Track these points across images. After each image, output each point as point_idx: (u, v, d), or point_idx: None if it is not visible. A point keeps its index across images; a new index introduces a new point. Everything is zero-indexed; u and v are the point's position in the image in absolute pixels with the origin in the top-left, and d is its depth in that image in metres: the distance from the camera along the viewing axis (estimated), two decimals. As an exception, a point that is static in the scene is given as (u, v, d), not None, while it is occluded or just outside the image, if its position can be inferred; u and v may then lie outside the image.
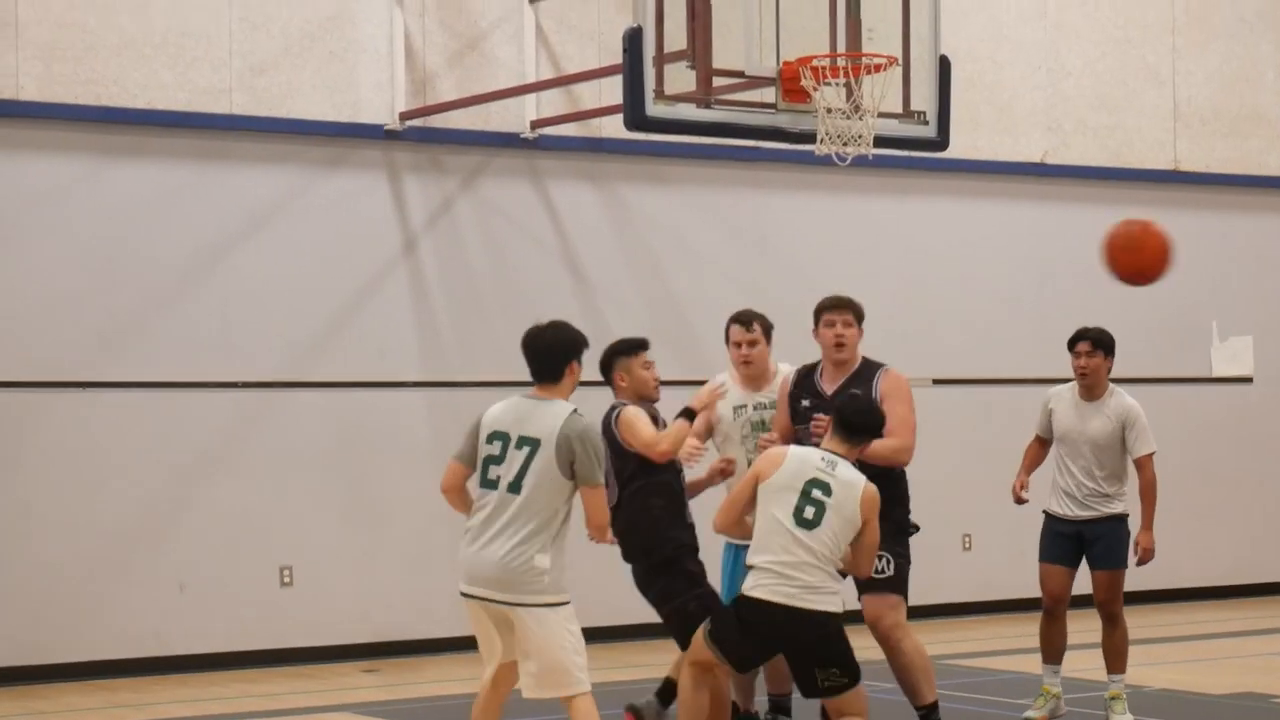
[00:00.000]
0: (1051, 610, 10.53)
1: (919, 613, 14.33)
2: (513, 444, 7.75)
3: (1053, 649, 10.55)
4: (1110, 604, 10.36)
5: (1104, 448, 10.38)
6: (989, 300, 15.83)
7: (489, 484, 7.79)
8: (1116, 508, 10.43)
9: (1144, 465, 10.38)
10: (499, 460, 7.77)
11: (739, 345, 9.72)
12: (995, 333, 15.81)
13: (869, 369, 9.40)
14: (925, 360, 15.18)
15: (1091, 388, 10.49)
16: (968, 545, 15.64)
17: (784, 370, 9.65)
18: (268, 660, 13.11)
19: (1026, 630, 12.15)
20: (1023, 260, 16.04)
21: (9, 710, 11.37)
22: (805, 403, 9.21)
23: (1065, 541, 10.49)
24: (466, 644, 8.78)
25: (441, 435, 12.93)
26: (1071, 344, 10.61)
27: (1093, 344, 10.53)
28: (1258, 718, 10.82)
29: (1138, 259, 9.40)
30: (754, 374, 9.65)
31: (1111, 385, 10.55)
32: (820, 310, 9.53)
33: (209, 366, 13.09)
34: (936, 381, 15.33)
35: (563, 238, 14.24)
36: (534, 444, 7.70)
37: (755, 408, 9.62)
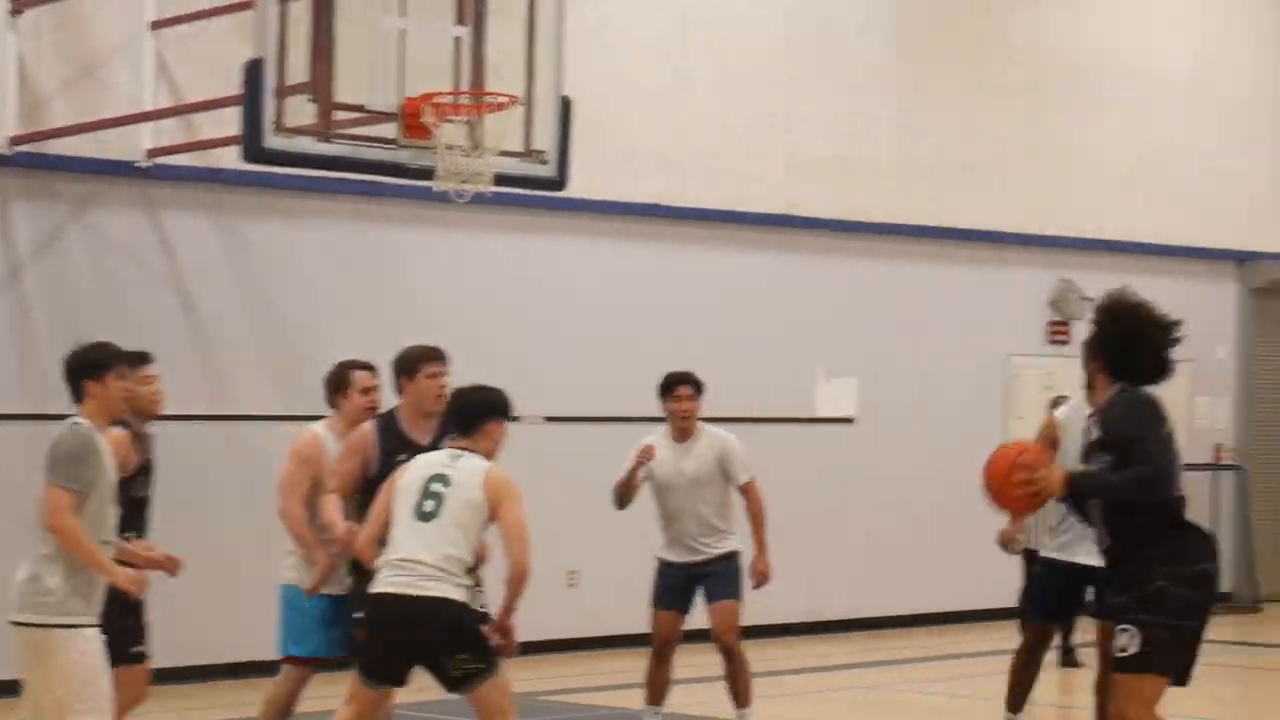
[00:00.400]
0: (660, 652, 10.73)
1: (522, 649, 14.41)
2: None
3: (657, 690, 10.74)
4: (727, 635, 10.58)
5: (706, 484, 10.65)
6: (605, 338, 15.97)
7: None
8: (729, 544, 10.67)
9: (749, 490, 10.70)
10: None
11: (367, 391, 9.59)
12: (609, 370, 15.95)
13: None
14: (540, 397, 15.28)
15: (686, 430, 10.74)
16: (573, 581, 15.71)
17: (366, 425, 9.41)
18: None
19: (630, 666, 12.29)
20: (639, 299, 16.24)
21: None
22: (403, 457, 8.83)
23: (678, 586, 10.69)
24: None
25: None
26: (669, 388, 10.83)
27: (694, 388, 10.79)
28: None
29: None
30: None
31: (699, 423, 10.80)
32: (420, 360, 9.31)
33: None
34: (550, 419, 15.43)
35: (177, 269, 13.97)
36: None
37: None
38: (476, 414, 8.51)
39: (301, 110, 10.82)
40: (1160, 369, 7.84)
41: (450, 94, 11.00)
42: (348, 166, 11.41)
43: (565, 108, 11.67)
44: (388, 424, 9.27)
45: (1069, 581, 9.85)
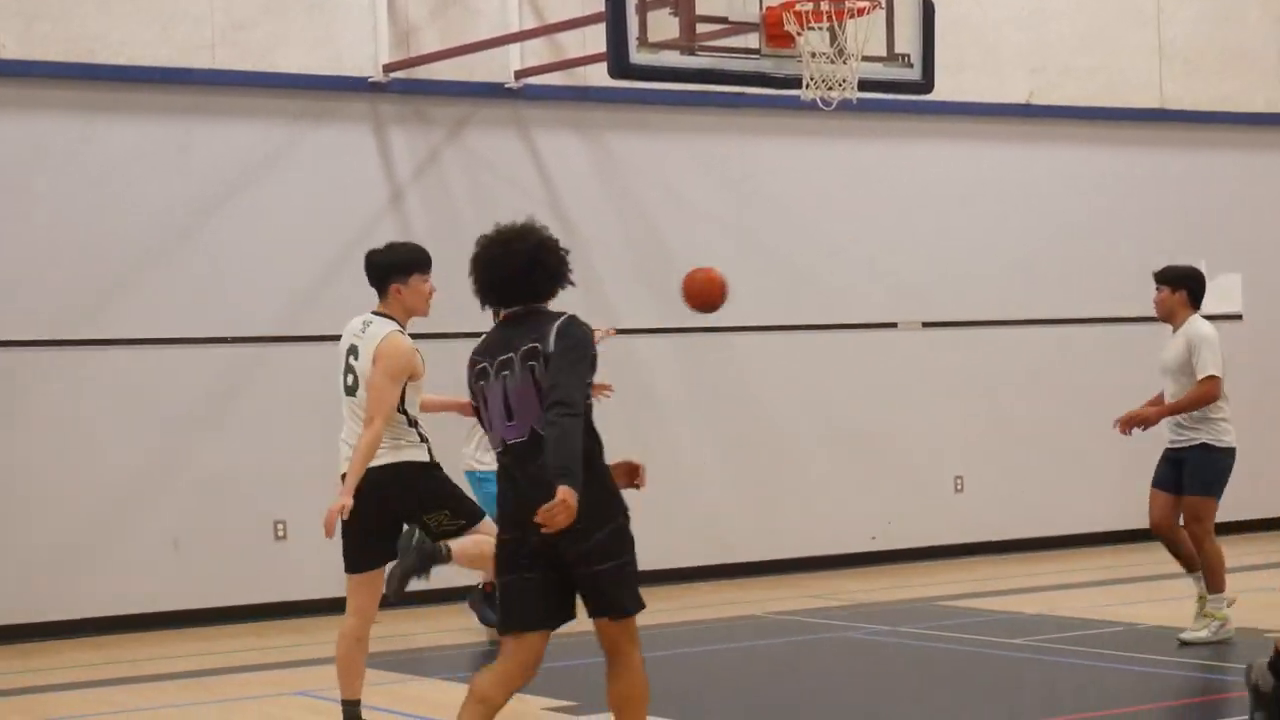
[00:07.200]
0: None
1: (911, 556, 14.42)
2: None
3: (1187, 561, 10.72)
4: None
5: (1176, 372, 10.73)
6: (972, 241, 15.80)
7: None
8: (1201, 437, 10.78)
9: (1204, 384, 10.73)
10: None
11: None
12: (978, 273, 15.80)
13: None
14: (912, 301, 15.27)
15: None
16: (959, 487, 15.59)
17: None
18: (264, 614, 13.14)
19: (1012, 571, 12.15)
20: (1008, 200, 16.03)
21: (7, 668, 11.41)
22: None
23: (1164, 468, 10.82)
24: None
25: (429, 386, 12.93)
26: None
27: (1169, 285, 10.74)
28: None
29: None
30: None
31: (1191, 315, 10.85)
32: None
33: (200, 322, 13.09)
34: (927, 325, 15.37)
35: (549, 187, 14.23)
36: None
37: None
38: (380, 273, 8.43)
39: (664, 24, 10.89)
40: None
41: (811, 1, 10.96)
42: (712, 79, 11.47)
43: (928, 10, 11.55)
44: None
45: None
